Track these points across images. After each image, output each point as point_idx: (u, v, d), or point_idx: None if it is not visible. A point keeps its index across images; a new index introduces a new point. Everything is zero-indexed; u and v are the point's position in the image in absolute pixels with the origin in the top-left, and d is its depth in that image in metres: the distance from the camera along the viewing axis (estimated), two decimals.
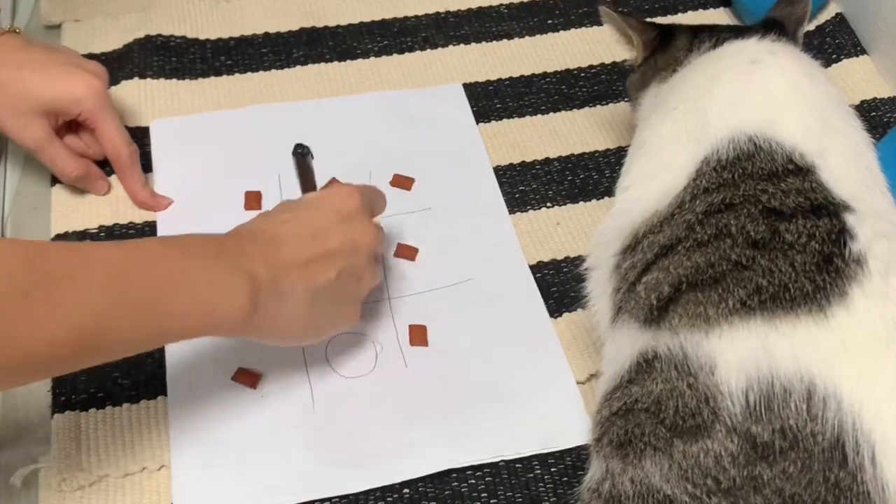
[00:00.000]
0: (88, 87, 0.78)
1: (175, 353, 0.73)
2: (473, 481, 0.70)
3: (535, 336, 0.77)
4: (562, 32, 1.02)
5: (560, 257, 0.83)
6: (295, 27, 1.00)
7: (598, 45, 1.01)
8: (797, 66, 0.69)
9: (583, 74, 0.98)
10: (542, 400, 0.74)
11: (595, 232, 0.71)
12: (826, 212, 0.59)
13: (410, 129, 0.92)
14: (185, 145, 0.88)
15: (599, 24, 0.97)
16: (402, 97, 0.94)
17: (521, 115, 0.94)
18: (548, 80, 0.98)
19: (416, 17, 1.03)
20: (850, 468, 0.53)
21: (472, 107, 0.94)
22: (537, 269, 0.82)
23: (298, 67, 0.96)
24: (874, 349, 0.55)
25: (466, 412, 0.72)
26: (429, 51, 0.99)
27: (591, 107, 0.95)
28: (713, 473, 0.54)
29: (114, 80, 0.88)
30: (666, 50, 0.78)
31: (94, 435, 0.69)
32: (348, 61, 0.97)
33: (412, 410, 0.72)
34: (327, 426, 0.71)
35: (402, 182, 0.87)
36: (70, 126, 0.82)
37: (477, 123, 0.93)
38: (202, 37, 0.98)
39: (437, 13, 1.03)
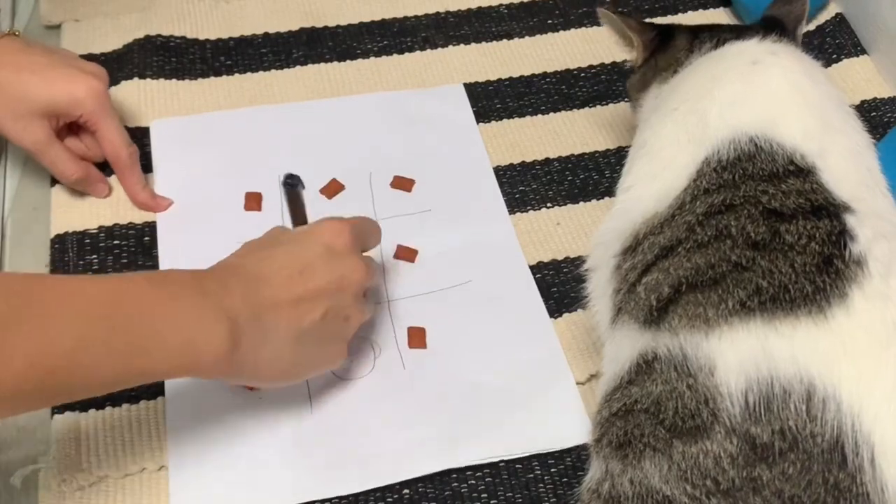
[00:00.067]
0: (89, 89, 0.78)
1: None
2: (473, 481, 0.70)
3: (535, 336, 0.77)
4: (562, 32, 1.02)
5: (560, 258, 0.83)
6: (295, 27, 1.00)
7: (598, 45, 1.01)
8: (798, 67, 0.69)
9: (583, 74, 0.98)
10: (543, 400, 0.74)
11: (595, 232, 0.71)
12: (826, 213, 0.59)
13: (411, 130, 0.91)
14: (185, 146, 0.88)
15: (599, 24, 0.97)
16: (402, 97, 0.94)
17: (521, 115, 0.94)
18: (548, 80, 0.98)
19: (416, 17, 1.02)
20: (850, 469, 0.53)
21: (471, 107, 0.94)
22: (537, 270, 0.82)
23: (298, 68, 0.96)
24: (874, 351, 0.55)
25: (466, 412, 0.72)
26: (429, 51, 0.99)
27: (591, 107, 0.95)
28: (712, 474, 0.54)
29: (114, 81, 0.88)
30: (666, 50, 0.78)
31: (94, 435, 0.69)
32: (348, 61, 0.97)
33: (411, 411, 0.72)
34: (325, 427, 0.71)
35: (403, 184, 0.87)
36: (70, 128, 0.82)
37: (477, 124, 0.93)
38: (202, 37, 0.98)
39: (437, 13, 1.03)
